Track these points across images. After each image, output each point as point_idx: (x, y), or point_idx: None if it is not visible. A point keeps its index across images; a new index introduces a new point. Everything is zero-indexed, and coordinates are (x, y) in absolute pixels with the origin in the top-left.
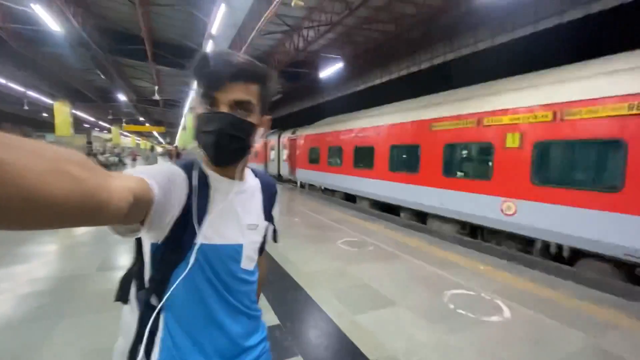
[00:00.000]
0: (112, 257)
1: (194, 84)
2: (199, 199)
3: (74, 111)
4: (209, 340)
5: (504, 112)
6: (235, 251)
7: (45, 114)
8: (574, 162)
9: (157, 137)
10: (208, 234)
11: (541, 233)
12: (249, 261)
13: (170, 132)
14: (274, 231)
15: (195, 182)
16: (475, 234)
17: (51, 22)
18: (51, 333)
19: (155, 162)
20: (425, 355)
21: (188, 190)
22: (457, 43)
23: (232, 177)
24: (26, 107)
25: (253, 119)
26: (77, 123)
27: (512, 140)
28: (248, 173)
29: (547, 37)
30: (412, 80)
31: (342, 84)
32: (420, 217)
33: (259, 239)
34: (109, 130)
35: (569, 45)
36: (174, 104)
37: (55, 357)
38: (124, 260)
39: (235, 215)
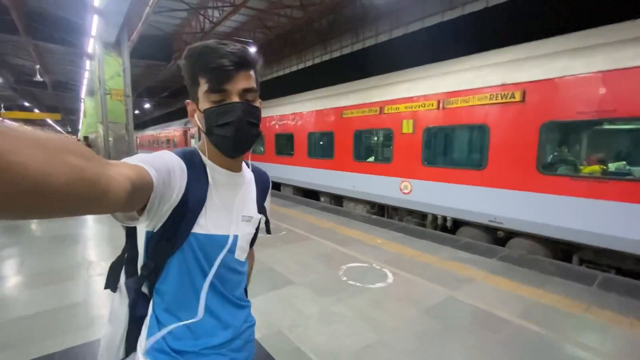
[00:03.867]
0: None
1: (193, 80)
2: (198, 189)
3: None
4: (200, 326)
5: (400, 100)
6: (230, 242)
7: None
8: (452, 145)
9: (53, 126)
10: (205, 223)
11: (430, 208)
12: (241, 252)
13: (70, 120)
14: (267, 222)
15: (196, 171)
16: (382, 212)
17: None
18: None
19: None
20: (308, 326)
21: (187, 179)
22: (361, 35)
23: (230, 169)
24: None
25: (257, 104)
26: None
27: (407, 127)
28: (243, 165)
29: (433, 32)
30: (326, 68)
31: (260, 70)
32: (338, 200)
33: (252, 231)
34: None
35: (450, 41)
36: (67, 87)
37: None
38: None
39: (232, 207)
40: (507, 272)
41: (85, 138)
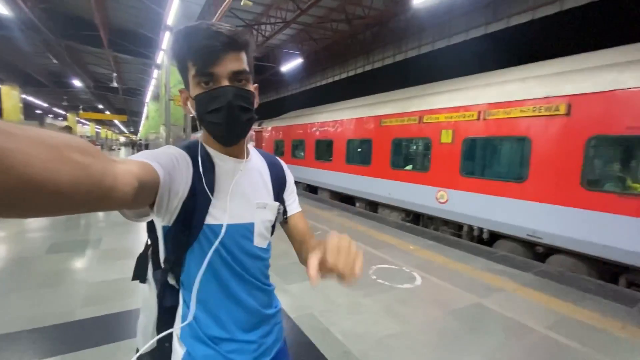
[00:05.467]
0: (63, 241)
1: (182, 65)
2: (205, 180)
3: (24, 96)
4: (227, 314)
5: (440, 110)
6: (246, 230)
7: None
8: (492, 156)
9: (119, 126)
10: (217, 213)
11: (467, 218)
12: (261, 239)
13: (133, 121)
14: (284, 212)
15: (200, 162)
16: (417, 220)
17: None
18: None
19: None
20: (337, 312)
21: (193, 171)
22: (404, 46)
23: (236, 156)
24: None
25: (250, 87)
26: (29, 109)
27: (446, 136)
28: (252, 151)
29: (476, 44)
30: (368, 78)
31: (305, 79)
32: (373, 207)
33: (271, 218)
34: (65, 118)
35: (494, 53)
36: (135, 92)
37: (5, 323)
38: (75, 244)
39: (244, 194)
40: (541, 286)
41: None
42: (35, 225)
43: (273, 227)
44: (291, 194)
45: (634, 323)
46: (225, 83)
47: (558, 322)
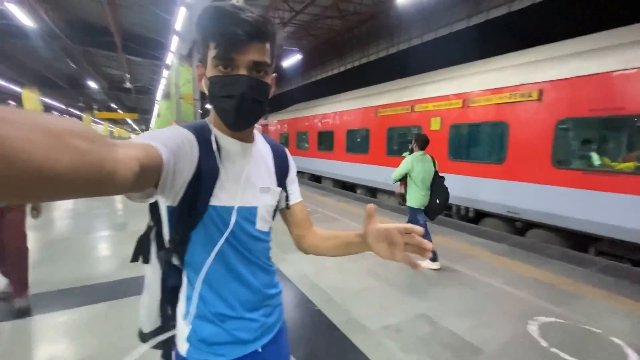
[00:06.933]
0: (94, 226)
1: (203, 44)
2: (210, 162)
3: (42, 98)
4: (232, 293)
5: (429, 100)
6: (249, 213)
7: (12, 102)
8: (476, 141)
9: (131, 124)
10: (222, 195)
11: (455, 200)
12: (263, 222)
13: (144, 119)
14: (287, 198)
15: (206, 143)
16: None
17: (23, 18)
18: None
19: None
20: (325, 273)
21: (199, 152)
22: (396, 39)
23: (242, 139)
24: None
25: (268, 79)
26: (47, 110)
27: (435, 124)
28: (257, 135)
29: (460, 36)
30: (364, 70)
31: (306, 73)
32: (372, 192)
33: (273, 203)
34: (81, 118)
35: (476, 44)
36: (146, 91)
37: (58, 283)
38: (105, 228)
39: (248, 178)
40: (513, 254)
41: None
42: (67, 213)
43: (275, 211)
44: (293, 183)
45: (586, 281)
46: (243, 72)
47: (514, 279)
